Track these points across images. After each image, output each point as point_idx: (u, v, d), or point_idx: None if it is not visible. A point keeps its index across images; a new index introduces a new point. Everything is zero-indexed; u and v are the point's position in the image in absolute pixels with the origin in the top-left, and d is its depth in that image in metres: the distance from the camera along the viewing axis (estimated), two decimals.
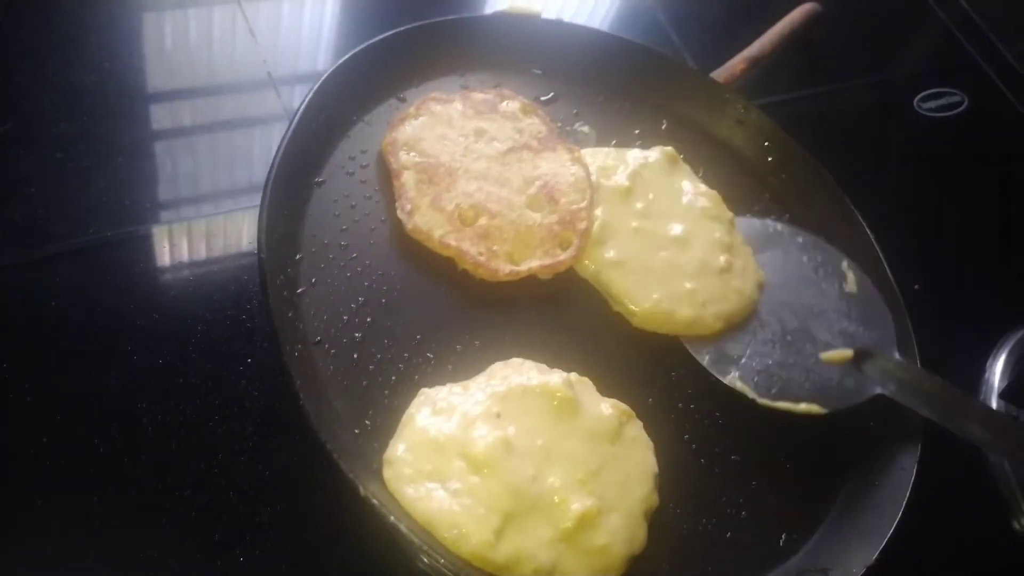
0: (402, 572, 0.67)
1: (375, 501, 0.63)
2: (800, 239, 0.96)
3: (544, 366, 0.77)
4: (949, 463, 0.94)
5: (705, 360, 0.83)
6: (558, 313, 0.84)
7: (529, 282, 0.84)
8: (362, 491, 0.63)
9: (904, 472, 0.81)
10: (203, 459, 0.74)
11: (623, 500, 0.71)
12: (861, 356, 0.86)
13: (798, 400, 0.82)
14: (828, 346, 0.87)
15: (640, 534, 0.71)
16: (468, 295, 0.82)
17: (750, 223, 0.96)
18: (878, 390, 0.84)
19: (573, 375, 0.77)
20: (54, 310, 0.80)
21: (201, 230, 0.90)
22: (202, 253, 0.89)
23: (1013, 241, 1.20)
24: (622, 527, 0.69)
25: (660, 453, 0.76)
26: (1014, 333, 1.06)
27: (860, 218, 0.99)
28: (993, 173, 1.28)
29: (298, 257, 0.78)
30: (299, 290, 0.77)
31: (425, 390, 0.74)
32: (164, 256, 0.87)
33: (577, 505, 0.68)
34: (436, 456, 0.68)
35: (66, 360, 0.78)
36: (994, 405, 0.99)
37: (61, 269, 0.83)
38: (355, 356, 0.75)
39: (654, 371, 0.84)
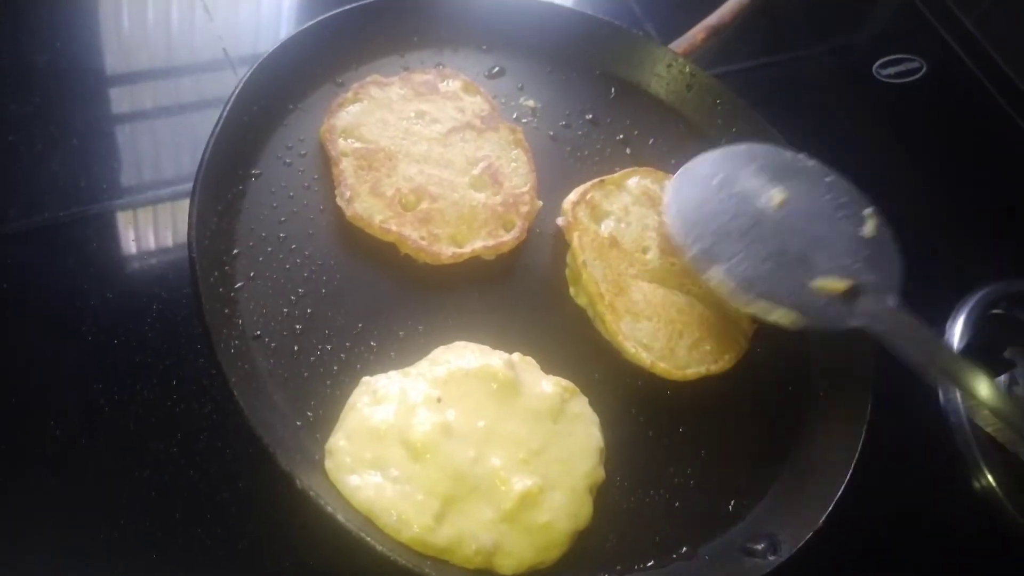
0: (363, 551, 0.67)
1: (312, 493, 0.63)
2: (828, 178, 0.94)
3: (487, 348, 0.77)
4: (907, 422, 0.95)
5: (689, 254, 0.83)
6: (503, 294, 0.84)
7: (473, 264, 0.84)
8: (298, 484, 0.63)
9: (853, 435, 0.81)
10: (162, 439, 0.74)
11: (566, 477, 0.71)
12: (855, 291, 0.84)
13: (776, 304, 0.81)
14: (824, 275, 0.85)
15: (585, 509, 0.71)
16: (411, 280, 0.82)
17: (779, 155, 0.95)
18: (859, 323, 0.82)
19: (516, 355, 0.77)
20: (6, 292, 0.79)
21: (155, 211, 0.90)
22: (157, 233, 0.89)
23: (971, 204, 1.20)
24: (566, 504, 0.70)
25: (607, 427, 0.76)
26: (973, 295, 1.06)
27: None
28: (951, 137, 1.28)
29: (235, 252, 0.78)
30: (237, 285, 0.76)
31: (366, 379, 0.73)
32: (118, 236, 0.87)
33: (519, 485, 0.68)
34: (376, 444, 0.68)
35: (20, 341, 0.77)
36: None
37: (13, 250, 0.82)
38: (296, 348, 0.75)
39: (600, 347, 0.83)
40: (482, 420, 0.71)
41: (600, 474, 0.74)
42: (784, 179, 0.92)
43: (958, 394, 0.98)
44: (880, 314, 0.83)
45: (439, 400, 0.71)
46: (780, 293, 0.82)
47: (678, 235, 0.85)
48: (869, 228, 0.91)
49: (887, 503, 0.88)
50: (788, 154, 0.96)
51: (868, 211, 0.92)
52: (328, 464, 0.69)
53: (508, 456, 0.70)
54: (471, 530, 0.66)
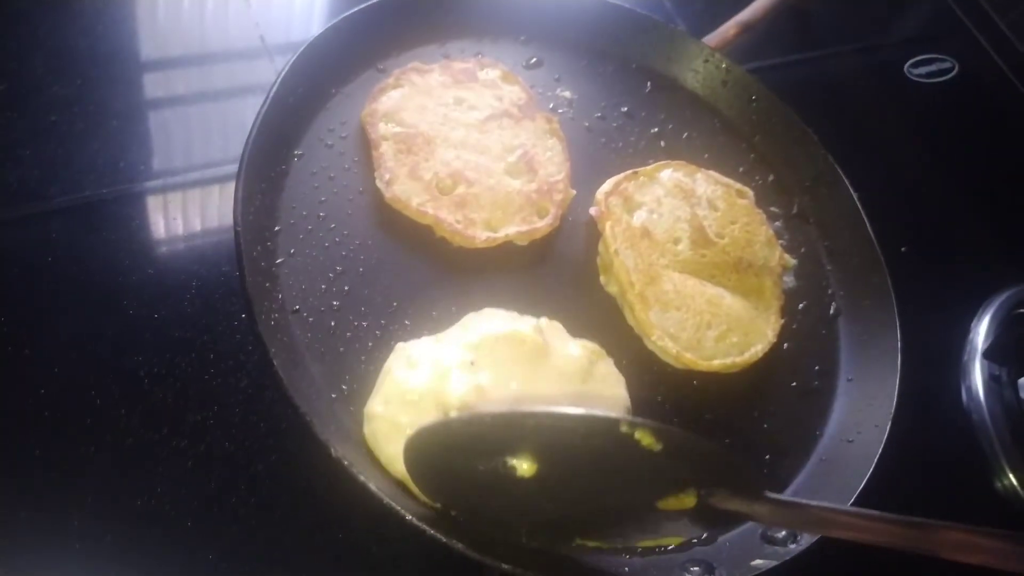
0: (393, 521, 0.68)
1: (346, 462, 0.65)
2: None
3: (515, 314, 0.79)
4: (932, 421, 0.96)
5: None
6: (535, 279, 0.85)
7: (506, 249, 0.85)
8: (333, 452, 0.65)
9: (877, 429, 0.82)
10: (199, 411, 0.77)
11: None
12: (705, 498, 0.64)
13: None
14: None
15: None
16: (445, 262, 0.84)
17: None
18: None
19: (543, 320, 0.79)
20: (51, 265, 0.82)
21: (195, 191, 0.92)
22: (196, 213, 0.91)
23: (1000, 205, 1.20)
24: None
25: (633, 415, 0.78)
26: (999, 295, 1.07)
27: (844, 178, 0.99)
28: (982, 138, 1.28)
29: (276, 229, 0.80)
30: (278, 260, 0.78)
31: (401, 344, 0.76)
32: (159, 214, 0.89)
33: None
34: (412, 408, 0.71)
35: (63, 314, 0.80)
36: (978, 365, 1.00)
37: (57, 226, 0.85)
38: (332, 324, 0.77)
39: (629, 335, 0.85)
40: (514, 382, 0.73)
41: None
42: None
43: (981, 394, 0.98)
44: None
45: (472, 363, 0.73)
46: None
47: None
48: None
49: (909, 501, 0.88)
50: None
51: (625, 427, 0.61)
52: (366, 430, 0.71)
53: None
54: None
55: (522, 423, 0.61)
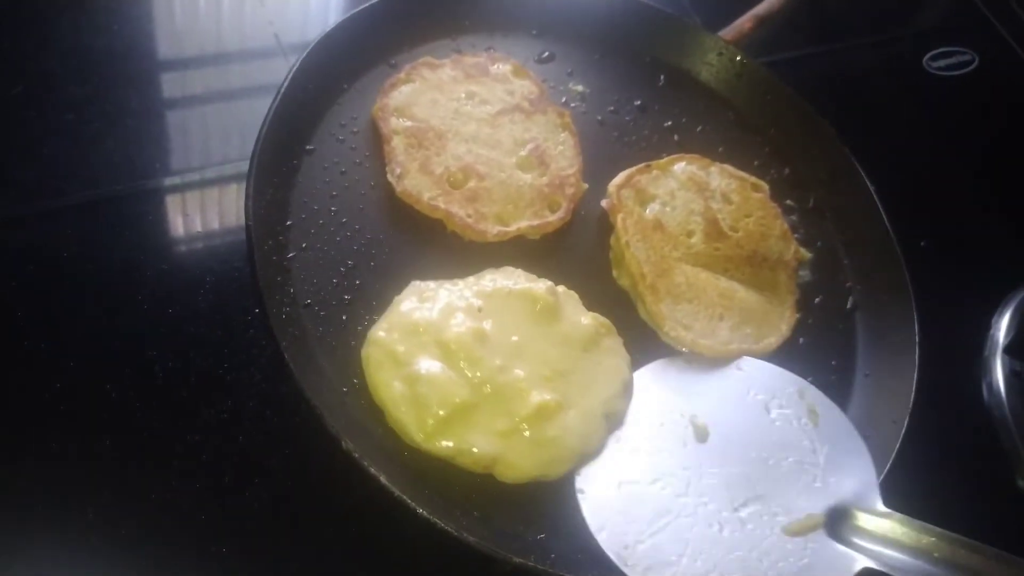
0: (405, 514, 0.67)
1: (357, 455, 0.65)
2: (740, 369, 0.81)
3: (533, 276, 0.80)
4: (952, 418, 0.94)
5: None
6: (546, 273, 0.84)
7: (518, 243, 0.85)
8: (344, 445, 0.65)
9: (895, 426, 0.81)
10: (213, 405, 0.77)
11: (584, 399, 0.73)
12: (835, 519, 0.69)
13: None
14: (791, 514, 0.68)
15: (597, 434, 0.73)
16: (457, 256, 0.83)
17: (666, 367, 0.81)
18: (861, 564, 0.67)
19: (561, 287, 0.80)
20: (66, 261, 0.83)
21: (209, 188, 0.93)
22: (210, 209, 0.91)
23: (1021, 199, 1.18)
24: (579, 423, 0.72)
25: None
26: (1020, 290, 1.05)
27: (862, 171, 0.98)
28: (1002, 132, 1.26)
29: (288, 223, 0.80)
30: (290, 255, 0.78)
31: (416, 282, 0.77)
32: (174, 210, 0.90)
33: (537, 397, 0.71)
34: (412, 339, 0.72)
35: (78, 309, 0.80)
36: (999, 361, 0.99)
37: (72, 222, 0.85)
38: (344, 318, 0.77)
39: (641, 329, 0.85)
40: (516, 335, 0.75)
41: (620, 405, 0.76)
42: (697, 397, 0.76)
43: (1003, 391, 0.97)
44: (873, 533, 0.68)
45: (479, 310, 0.75)
46: None
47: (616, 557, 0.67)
48: (812, 414, 0.75)
49: (930, 498, 0.87)
50: (678, 362, 0.81)
51: (799, 391, 0.76)
52: (364, 352, 0.73)
53: (533, 371, 0.73)
54: (475, 439, 0.69)
55: None
